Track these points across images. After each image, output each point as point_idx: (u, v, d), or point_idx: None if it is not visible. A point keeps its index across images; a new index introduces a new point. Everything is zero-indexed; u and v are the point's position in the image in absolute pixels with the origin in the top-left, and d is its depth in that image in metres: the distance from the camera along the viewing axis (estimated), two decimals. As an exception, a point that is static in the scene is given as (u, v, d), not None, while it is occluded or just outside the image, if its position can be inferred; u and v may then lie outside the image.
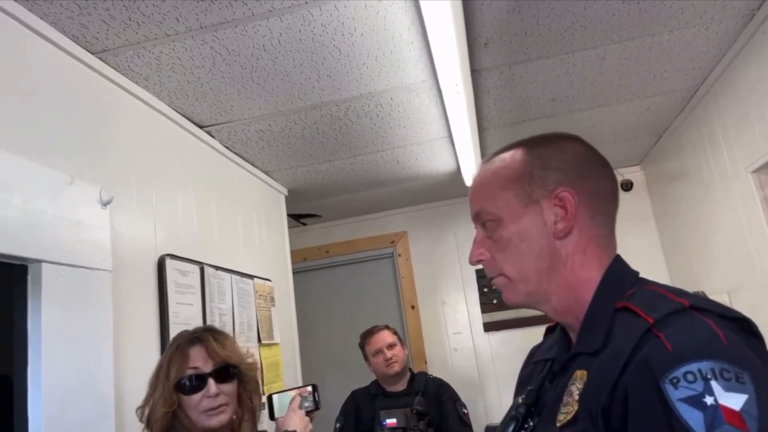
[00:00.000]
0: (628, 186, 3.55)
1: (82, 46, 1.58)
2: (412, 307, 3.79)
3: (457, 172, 3.10)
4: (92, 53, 1.62)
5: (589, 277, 0.79)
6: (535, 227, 0.80)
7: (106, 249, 1.50)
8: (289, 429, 1.45)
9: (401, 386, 2.57)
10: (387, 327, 2.65)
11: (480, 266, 0.86)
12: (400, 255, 3.88)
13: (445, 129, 2.53)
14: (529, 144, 0.85)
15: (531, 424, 0.79)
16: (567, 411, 0.71)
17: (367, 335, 2.63)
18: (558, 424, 0.71)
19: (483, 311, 3.69)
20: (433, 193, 3.62)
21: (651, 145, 3.23)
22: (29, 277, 1.28)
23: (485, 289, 3.70)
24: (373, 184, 3.26)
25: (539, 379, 0.84)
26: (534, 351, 0.97)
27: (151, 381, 1.35)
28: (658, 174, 3.36)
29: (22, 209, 1.25)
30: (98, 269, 1.45)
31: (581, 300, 0.79)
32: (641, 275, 0.80)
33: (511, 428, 0.80)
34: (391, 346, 2.56)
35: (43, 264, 1.29)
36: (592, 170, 0.82)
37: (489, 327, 3.66)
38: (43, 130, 1.41)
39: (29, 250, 1.26)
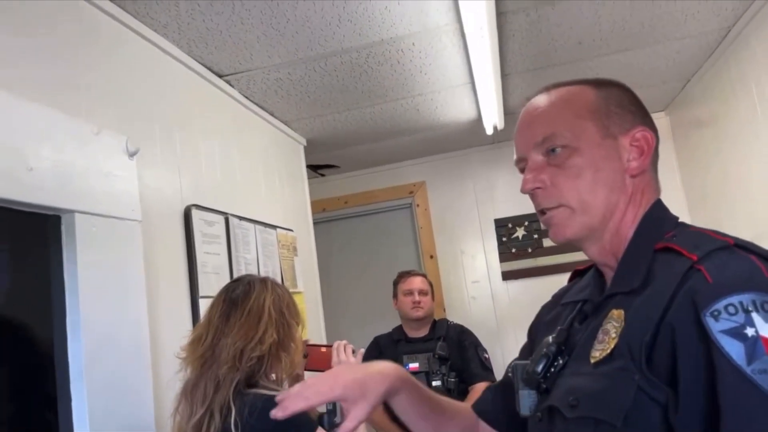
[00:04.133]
0: (651, 133, 3.46)
1: (100, -7, 1.55)
2: (431, 257, 3.81)
3: (478, 120, 3.05)
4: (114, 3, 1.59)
5: (637, 219, 0.79)
6: (611, 161, 0.78)
7: (135, 199, 1.51)
8: None
9: (423, 332, 2.62)
10: (425, 276, 2.73)
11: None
12: (418, 205, 3.88)
13: (467, 75, 2.47)
14: (593, 83, 0.83)
15: (561, 362, 0.79)
16: (602, 348, 0.71)
17: (405, 274, 2.71)
18: (592, 361, 0.72)
19: (501, 260, 3.71)
20: (453, 142, 3.57)
21: (678, 90, 3.14)
22: (63, 227, 1.30)
23: (503, 239, 3.70)
24: (392, 133, 3.22)
25: (568, 320, 0.84)
26: (561, 294, 0.96)
27: (269, 321, 1.31)
28: (684, 121, 3.28)
29: (52, 160, 1.25)
30: (128, 219, 1.47)
31: (624, 241, 0.79)
32: None
33: (541, 365, 0.79)
34: (422, 293, 2.63)
35: (76, 214, 1.30)
36: (650, 117, 0.83)
37: (507, 276, 3.69)
38: (65, 80, 1.40)
39: (61, 201, 1.27)
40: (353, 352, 1.59)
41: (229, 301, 1.33)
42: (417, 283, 2.67)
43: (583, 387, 0.72)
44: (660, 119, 3.49)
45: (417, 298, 2.61)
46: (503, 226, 3.70)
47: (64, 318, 1.28)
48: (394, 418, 2.40)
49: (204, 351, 1.27)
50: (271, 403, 1.21)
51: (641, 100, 0.84)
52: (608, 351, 0.70)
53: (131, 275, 1.46)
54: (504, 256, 3.71)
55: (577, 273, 0.95)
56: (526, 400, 0.82)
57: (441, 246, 3.82)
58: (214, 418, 1.20)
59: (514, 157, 0.85)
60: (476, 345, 2.58)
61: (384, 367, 0.86)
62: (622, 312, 0.72)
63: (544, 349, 0.81)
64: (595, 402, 0.69)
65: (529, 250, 3.64)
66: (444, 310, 3.69)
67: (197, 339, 1.30)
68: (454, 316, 3.35)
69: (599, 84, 0.83)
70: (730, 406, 0.57)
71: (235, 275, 1.96)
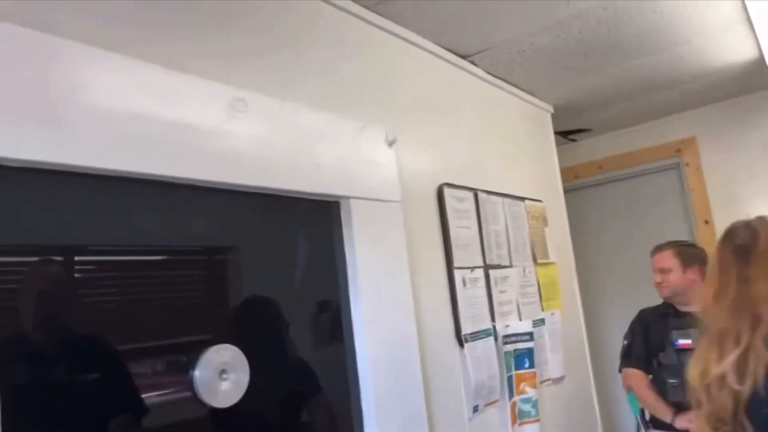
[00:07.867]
0: None
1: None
2: (706, 222, 3.37)
3: (759, 61, 2.58)
4: (361, 5, 1.79)
5: None
6: None
7: (395, 183, 1.71)
8: None
9: (695, 306, 2.37)
10: (674, 248, 2.42)
11: None
12: (687, 164, 3.46)
13: (741, 9, 2.11)
14: None
15: None
16: None
17: (654, 250, 2.48)
18: None
19: (802, 223, 3.09)
20: (727, 89, 3.08)
21: None
22: (342, 211, 1.55)
23: (805, 197, 3.08)
24: (651, 89, 2.93)
25: None
26: None
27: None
28: None
29: (332, 156, 1.51)
30: (390, 201, 1.68)
31: None
32: None
33: None
34: (663, 271, 2.37)
35: (351, 200, 1.54)
36: None
37: (811, 241, 3.06)
38: (336, 84, 1.65)
39: (340, 189, 1.52)
40: None
41: (739, 247, 1.35)
42: (659, 260, 2.41)
43: None
44: None
45: (657, 278, 2.39)
46: (804, 182, 3.08)
47: (347, 286, 1.54)
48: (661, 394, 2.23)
49: (736, 296, 1.29)
50: None
51: None
52: None
53: (395, 250, 1.67)
54: (806, 217, 3.08)
55: None
56: None
57: (718, 209, 3.35)
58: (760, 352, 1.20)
59: None
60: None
61: None
62: None
63: None
64: None
65: (843, 210, 2.96)
66: (724, 281, 3.25)
67: (722, 289, 1.33)
68: (738, 289, 2.93)
69: None
70: None
71: (486, 247, 2.07)
